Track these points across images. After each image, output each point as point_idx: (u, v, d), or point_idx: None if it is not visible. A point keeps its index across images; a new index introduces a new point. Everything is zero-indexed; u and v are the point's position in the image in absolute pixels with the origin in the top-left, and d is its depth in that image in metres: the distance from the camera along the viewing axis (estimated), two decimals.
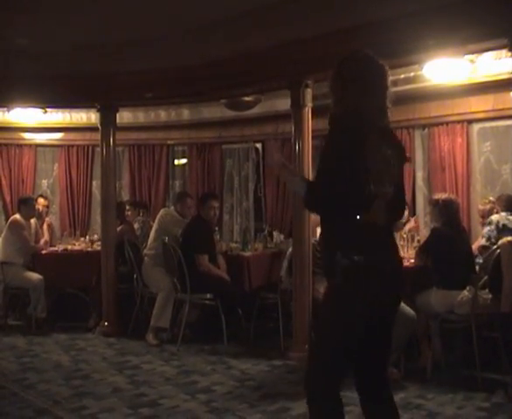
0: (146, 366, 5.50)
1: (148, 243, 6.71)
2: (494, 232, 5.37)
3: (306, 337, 5.61)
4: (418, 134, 6.99)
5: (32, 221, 7.35)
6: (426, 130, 6.91)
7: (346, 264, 2.45)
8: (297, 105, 5.65)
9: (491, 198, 6.04)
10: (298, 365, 5.30)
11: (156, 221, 6.73)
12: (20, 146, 8.82)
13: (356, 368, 2.65)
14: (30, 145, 8.86)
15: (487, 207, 5.88)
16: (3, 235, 7.23)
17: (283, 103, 6.48)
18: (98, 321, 6.88)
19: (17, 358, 5.77)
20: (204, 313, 6.52)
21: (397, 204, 2.67)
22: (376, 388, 2.65)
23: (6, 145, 8.73)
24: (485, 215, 5.84)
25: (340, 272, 2.47)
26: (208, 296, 6.05)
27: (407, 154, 2.88)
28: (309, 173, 5.62)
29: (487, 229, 5.48)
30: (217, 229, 7.11)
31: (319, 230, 5.62)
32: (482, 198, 6.24)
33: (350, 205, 2.48)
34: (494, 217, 5.49)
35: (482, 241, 5.44)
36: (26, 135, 8.75)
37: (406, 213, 5.07)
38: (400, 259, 2.71)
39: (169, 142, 8.99)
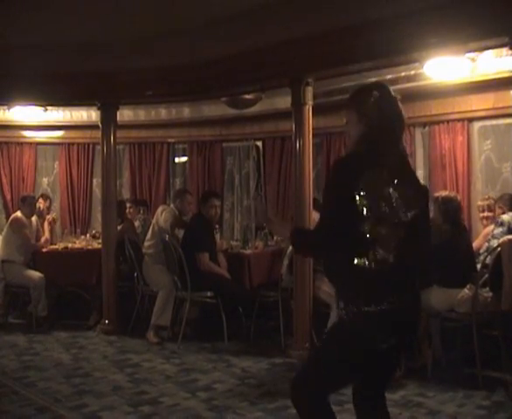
0: (146, 364, 5.51)
1: (146, 239, 6.71)
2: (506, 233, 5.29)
3: (306, 335, 5.61)
4: (418, 132, 6.99)
5: (33, 219, 7.34)
6: (427, 128, 6.90)
7: (350, 313, 2.37)
8: (298, 103, 5.64)
9: (491, 195, 6.03)
10: (298, 363, 5.31)
11: (154, 218, 6.73)
12: (21, 144, 8.82)
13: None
14: (30, 143, 8.86)
15: (486, 203, 5.89)
16: (3, 233, 7.22)
17: (284, 101, 6.47)
18: (98, 319, 6.88)
19: (18, 356, 5.78)
20: (205, 311, 6.53)
21: (413, 252, 2.42)
22: (373, 395, 2.60)
23: (7, 143, 8.73)
24: (484, 209, 5.86)
25: (347, 319, 2.39)
26: (208, 294, 6.05)
27: (424, 188, 2.65)
28: (309, 172, 5.62)
29: (499, 230, 5.28)
30: (217, 227, 7.10)
31: None
32: (483, 196, 6.23)
33: (346, 247, 2.36)
34: (505, 218, 5.35)
35: (494, 242, 5.28)
36: (27, 133, 8.74)
37: None
38: (409, 309, 2.43)
39: (169, 140, 8.99)
